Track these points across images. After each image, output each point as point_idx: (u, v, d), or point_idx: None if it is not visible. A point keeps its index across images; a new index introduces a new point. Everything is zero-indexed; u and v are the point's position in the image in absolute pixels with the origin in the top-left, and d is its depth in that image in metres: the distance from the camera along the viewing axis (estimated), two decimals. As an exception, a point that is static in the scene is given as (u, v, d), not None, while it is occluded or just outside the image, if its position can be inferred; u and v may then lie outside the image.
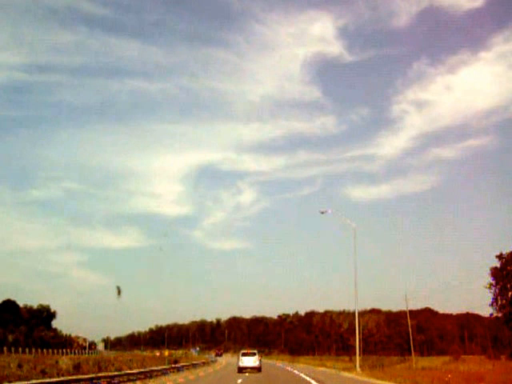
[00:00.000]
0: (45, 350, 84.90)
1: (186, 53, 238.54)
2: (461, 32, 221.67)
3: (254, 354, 47.87)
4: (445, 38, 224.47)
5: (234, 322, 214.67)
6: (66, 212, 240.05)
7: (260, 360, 48.76)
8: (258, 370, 45.79)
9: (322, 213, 46.77)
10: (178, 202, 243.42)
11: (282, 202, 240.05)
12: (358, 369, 48.15)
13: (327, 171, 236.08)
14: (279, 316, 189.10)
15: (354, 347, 56.17)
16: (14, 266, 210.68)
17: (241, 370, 45.66)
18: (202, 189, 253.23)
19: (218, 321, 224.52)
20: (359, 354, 55.35)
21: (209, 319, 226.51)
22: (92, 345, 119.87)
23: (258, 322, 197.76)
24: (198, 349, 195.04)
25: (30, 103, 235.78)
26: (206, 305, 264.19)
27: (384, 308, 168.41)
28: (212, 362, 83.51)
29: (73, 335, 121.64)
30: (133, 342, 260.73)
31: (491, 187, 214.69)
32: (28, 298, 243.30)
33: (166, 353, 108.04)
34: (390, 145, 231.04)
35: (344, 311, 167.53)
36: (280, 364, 75.38)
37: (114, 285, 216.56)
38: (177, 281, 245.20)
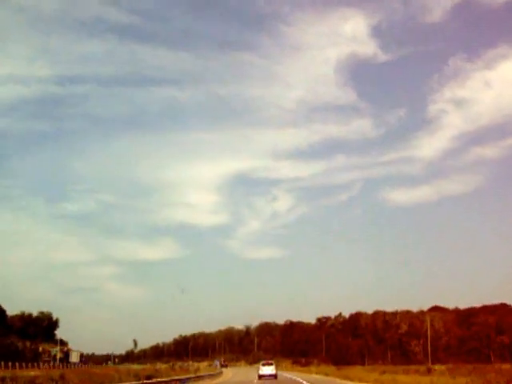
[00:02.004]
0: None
1: (216, 59, 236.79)
2: (498, 24, 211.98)
3: (271, 364, 58.26)
4: (482, 32, 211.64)
5: (266, 328, 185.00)
6: (99, 225, 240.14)
7: (276, 369, 57.21)
8: (274, 377, 54.46)
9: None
10: (213, 211, 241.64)
11: (320, 208, 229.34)
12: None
13: (365, 175, 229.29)
14: (318, 319, 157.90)
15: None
16: (48, 280, 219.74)
17: (260, 377, 54.80)
18: (237, 197, 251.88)
19: (247, 328, 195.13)
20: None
21: (238, 327, 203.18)
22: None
23: (293, 327, 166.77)
24: (222, 360, 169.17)
25: (60, 116, 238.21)
26: (235, 312, 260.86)
27: (448, 305, 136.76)
28: (211, 375, 63.84)
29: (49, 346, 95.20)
30: (157, 353, 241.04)
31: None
32: (61, 311, 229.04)
33: (163, 366, 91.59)
34: (429, 146, 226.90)
35: (397, 311, 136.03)
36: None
37: (147, 297, 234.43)
38: (210, 291, 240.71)
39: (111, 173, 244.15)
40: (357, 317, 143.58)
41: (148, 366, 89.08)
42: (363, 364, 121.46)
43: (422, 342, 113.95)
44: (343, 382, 41.45)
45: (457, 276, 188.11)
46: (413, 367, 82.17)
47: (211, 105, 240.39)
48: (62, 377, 34.48)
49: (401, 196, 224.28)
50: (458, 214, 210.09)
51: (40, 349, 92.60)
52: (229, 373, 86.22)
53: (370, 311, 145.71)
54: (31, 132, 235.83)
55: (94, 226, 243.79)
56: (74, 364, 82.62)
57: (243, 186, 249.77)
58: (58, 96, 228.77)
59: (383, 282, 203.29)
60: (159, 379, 42.15)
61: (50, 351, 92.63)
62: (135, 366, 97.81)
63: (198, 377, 53.57)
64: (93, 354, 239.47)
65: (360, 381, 39.15)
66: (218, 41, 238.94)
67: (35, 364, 67.80)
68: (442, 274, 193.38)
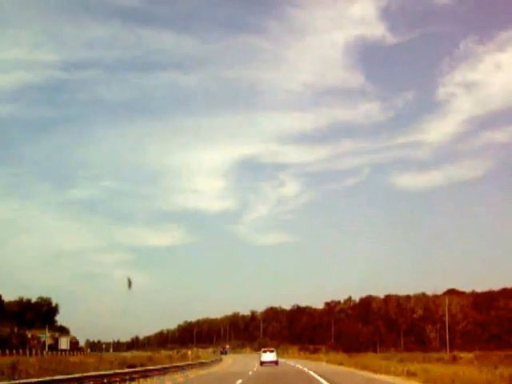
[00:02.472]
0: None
1: (222, 42, 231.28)
2: (510, 6, 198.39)
3: (272, 351, 59.44)
4: (493, 14, 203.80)
5: (272, 313, 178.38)
6: (106, 211, 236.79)
7: (277, 356, 58.47)
8: (275, 363, 55.11)
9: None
10: (219, 196, 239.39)
11: (328, 193, 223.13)
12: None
13: (373, 160, 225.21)
14: (326, 303, 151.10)
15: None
16: (55, 267, 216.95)
17: (262, 363, 55.05)
18: (244, 183, 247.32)
19: (253, 313, 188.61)
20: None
21: (243, 313, 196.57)
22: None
23: (301, 312, 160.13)
24: (228, 347, 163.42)
25: (66, 101, 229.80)
26: (242, 299, 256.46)
27: (465, 289, 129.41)
28: (202, 364, 56.74)
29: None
30: (162, 340, 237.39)
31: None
32: (67, 299, 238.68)
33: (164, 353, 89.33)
34: (439, 130, 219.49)
35: (409, 296, 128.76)
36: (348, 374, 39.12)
37: (155, 284, 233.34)
38: (217, 277, 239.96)
39: (118, 159, 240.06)
40: (367, 301, 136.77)
41: (142, 354, 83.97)
42: (375, 351, 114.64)
43: (438, 327, 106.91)
44: (367, 374, 33.46)
45: (471, 259, 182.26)
46: (433, 355, 75.31)
47: (217, 89, 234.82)
48: (13, 366, 27.52)
49: (409, 181, 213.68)
50: (468, 198, 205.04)
51: (29, 335, 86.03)
52: (228, 360, 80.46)
53: (381, 296, 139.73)
54: (37, 118, 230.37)
55: (100, 213, 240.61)
56: (63, 351, 75.82)
57: (250, 172, 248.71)
58: (64, 82, 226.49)
59: (393, 266, 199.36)
60: (139, 368, 35.90)
61: (39, 337, 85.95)
62: (129, 354, 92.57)
63: (184, 366, 46.93)
64: (98, 342, 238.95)
65: (387, 373, 31.56)
66: (223, 24, 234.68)
67: (14, 351, 61.10)
68: (453, 257, 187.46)
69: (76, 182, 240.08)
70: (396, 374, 30.08)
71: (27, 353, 63.01)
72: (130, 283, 61.20)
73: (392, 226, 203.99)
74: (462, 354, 61.95)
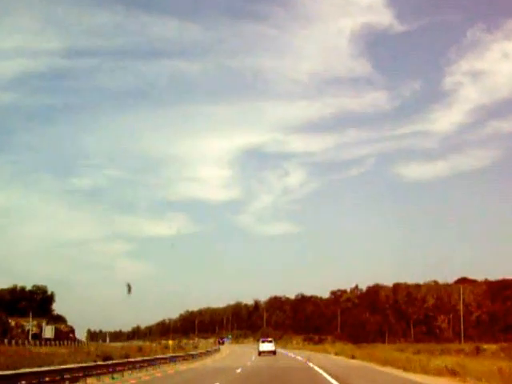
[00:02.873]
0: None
1: (226, 30, 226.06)
2: None
3: (270, 341, 60.29)
4: (501, 2, 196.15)
5: (276, 303, 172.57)
6: (108, 200, 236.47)
7: (275, 345, 59.63)
8: (273, 353, 56.62)
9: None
10: (224, 186, 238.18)
11: (333, 183, 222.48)
12: None
13: (378, 150, 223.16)
14: (332, 292, 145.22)
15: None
16: (57, 256, 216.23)
17: (260, 353, 56.73)
18: (248, 172, 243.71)
19: (257, 302, 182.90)
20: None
21: (246, 302, 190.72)
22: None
23: (306, 301, 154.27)
24: (229, 337, 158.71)
25: (69, 89, 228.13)
26: (245, 287, 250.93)
27: (476, 277, 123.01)
28: (185, 357, 49.21)
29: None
30: (163, 330, 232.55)
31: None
32: (68, 288, 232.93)
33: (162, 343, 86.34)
34: (445, 119, 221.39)
35: (418, 284, 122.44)
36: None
37: (157, 273, 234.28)
38: (220, 266, 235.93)
39: (121, 147, 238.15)
40: (375, 290, 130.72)
41: (132, 344, 78.99)
42: (383, 341, 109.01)
43: (451, 316, 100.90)
44: (395, 373, 26.38)
45: (482, 247, 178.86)
46: (451, 346, 69.54)
47: (222, 77, 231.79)
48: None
49: (415, 171, 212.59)
50: (475, 188, 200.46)
51: (12, 323, 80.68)
52: (224, 352, 75.76)
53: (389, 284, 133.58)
54: (40, 106, 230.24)
55: (103, 202, 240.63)
56: (48, 340, 70.47)
57: (255, 161, 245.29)
58: (67, 69, 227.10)
59: (400, 255, 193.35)
60: (116, 361, 31.04)
61: (23, 326, 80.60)
62: (120, 344, 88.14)
63: (165, 358, 41.37)
64: (100, 331, 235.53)
65: (424, 371, 24.67)
66: (228, 11, 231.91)
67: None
68: (462, 246, 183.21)
69: (78, 170, 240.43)
70: (437, 374, 23.37)
71: (5, 342, 57.82)
72: (129, 289, 64.07)
73: (398, 215, 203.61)
74: (486, 346, 55.82)
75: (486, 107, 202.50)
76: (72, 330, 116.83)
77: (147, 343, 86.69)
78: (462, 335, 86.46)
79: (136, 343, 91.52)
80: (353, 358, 46.58)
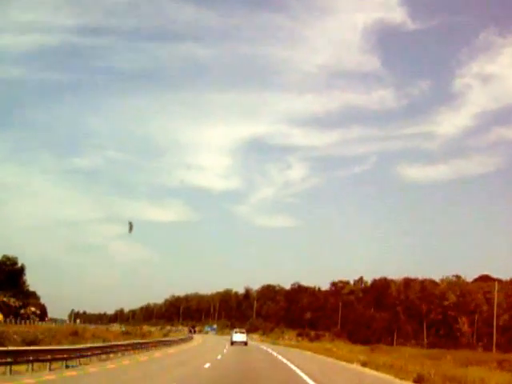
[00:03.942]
0: None
1: (241, 18, 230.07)
2: None
3: (243, 333, 64.03)
4: None
5: (269, 292, 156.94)
6: (108, 182, 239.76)
7: (247, 337, 63.92)
8: (245, 343, 58.93)
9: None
10: (225, 175, 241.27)
11: (334, 180, 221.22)
12: None
13: (382, 148, 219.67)
14: (333, 283, 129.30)
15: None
16: (51, 234, 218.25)
17: (232, 343, 58.05)
18: (251, 163, 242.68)
19: (248, 291, 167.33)
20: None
21: (237, 290, 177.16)
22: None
23: (302, 292, 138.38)
24: (215, 327, 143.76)
25: (78, 67, 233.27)
26: (237, 276, 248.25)
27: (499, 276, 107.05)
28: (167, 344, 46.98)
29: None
30: (147, 315, 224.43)
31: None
32: (65, 269, 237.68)
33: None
34: (451, 122, 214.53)
35: (434, 281, 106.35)
36: None
37: (151, 258, 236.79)
38: (214, 254, 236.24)
39: (124, 130, 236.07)
40: (383, 284, 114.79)
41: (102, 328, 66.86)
42: (390, 343, 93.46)
43: (476, 318, 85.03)
44: None
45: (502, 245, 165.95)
46: (483, 355, 54.48)
47: (233, 65, 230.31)
48: None
49: (416, 172, 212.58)
50: (476, 194, 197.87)
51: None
52: (193, 343, 65.34)
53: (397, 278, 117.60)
54: (48, 83, 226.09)
55: (103, 183, 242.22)
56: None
57: (257, 152, 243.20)
58: (79, 47, 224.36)
59: (409, 250, 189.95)
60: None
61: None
62: (82, 326, 73.91)
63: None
64: (84, 313, 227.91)
65: None
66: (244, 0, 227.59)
67: None
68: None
69: (80, 150, 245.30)
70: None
71: None
72: (131, 227, 62.56)
73: (397, 216, 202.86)
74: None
75: (493, 112, 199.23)
76: (43, 308, 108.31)
77: (101, 327, 75.84)
78: (494, 343, 70.63)
79: (96, 327, 77.37)
80: (376, 369, 28.18)
